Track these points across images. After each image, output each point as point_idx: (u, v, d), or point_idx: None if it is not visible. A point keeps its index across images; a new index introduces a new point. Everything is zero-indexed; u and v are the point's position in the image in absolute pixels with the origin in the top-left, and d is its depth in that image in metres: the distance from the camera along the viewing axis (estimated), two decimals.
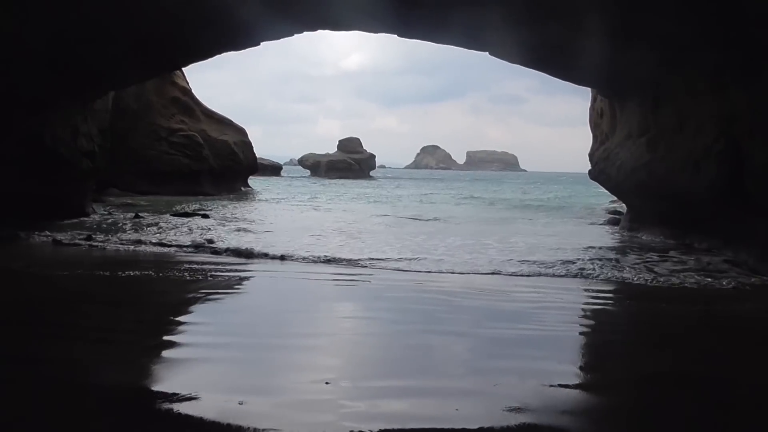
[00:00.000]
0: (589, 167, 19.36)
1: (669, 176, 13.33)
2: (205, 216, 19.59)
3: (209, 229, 15.84)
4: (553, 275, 10.29)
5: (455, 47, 13.65)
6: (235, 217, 20.22)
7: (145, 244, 12.69)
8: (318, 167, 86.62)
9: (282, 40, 13.65)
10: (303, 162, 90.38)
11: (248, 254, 11.63)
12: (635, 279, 10.06)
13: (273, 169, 79.74)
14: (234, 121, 38.13)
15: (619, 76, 14.16)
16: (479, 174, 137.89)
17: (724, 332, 7.20)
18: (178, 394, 4.57)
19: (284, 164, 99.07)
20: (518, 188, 62.74)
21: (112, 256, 11.48)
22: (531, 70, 15.32)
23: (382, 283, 9.56)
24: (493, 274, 10.45)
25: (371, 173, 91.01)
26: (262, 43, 13.56)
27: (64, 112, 13.27)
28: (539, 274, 10.33)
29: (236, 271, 10.23)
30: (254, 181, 53.55)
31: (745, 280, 9.82)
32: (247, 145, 38.17)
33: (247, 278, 10.00)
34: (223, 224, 17.58)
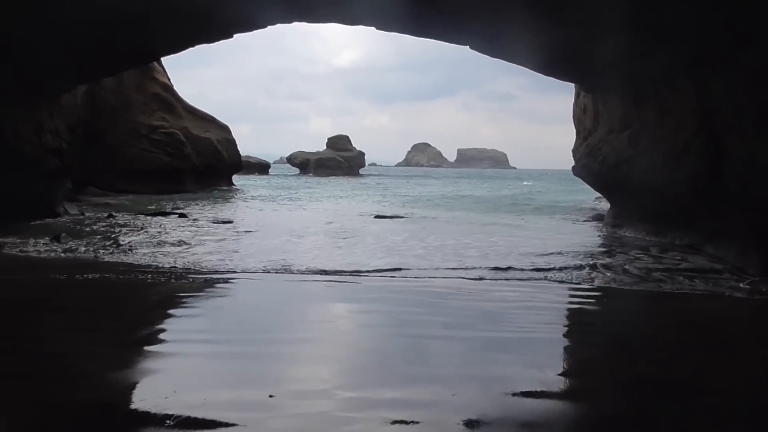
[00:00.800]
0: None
1: (650, 171, 13.05)
2: (182, 215, 19.12)
3: (165, 231, 15.39)
4: (530, 279, 9.70)
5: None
6: (210, 217, 19.73)
7: (104, 249, 11.97)
8: (307, 165, 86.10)
9: (274, 36, 13.35)
10: (292, 160, 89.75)
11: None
12: (613, 282, 9.54)
13: (261, 168, 79.09)
14: (223, 118, 37.69)
15: (599, 70, 13.86)
16: (468, 172, 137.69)
17: (707, 336, 6.86)
18: None
19: (274, 162, 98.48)
20: (506, 185, 62.56)
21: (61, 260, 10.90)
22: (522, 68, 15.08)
23: (347, 288, 9.12)
24: (464, 278, 9.68)
25: (361, 171, 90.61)
26: (252, 38, 13.14)
27: (24, 107, 12.75)
28: (517, 279, 9.69)
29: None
30: (241, 180, 53.08)
31: (728, 282, 9.42)
32: (231, 143, 37.68)
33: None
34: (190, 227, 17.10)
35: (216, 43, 13.29)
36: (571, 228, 18.71)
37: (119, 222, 16.71)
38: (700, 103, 10.54)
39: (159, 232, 14.65)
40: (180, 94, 35.34)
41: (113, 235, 13.76)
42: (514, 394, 4.79)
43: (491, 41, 12.46)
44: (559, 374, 5.51)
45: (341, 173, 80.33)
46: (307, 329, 6.81)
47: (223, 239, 13.64)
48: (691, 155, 11.09)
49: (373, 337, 6.57)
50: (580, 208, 26.67)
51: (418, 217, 21.59)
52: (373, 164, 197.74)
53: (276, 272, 9.80)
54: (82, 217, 18.27)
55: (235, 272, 9.75)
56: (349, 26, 13.56)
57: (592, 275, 10.00)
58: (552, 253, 12.24)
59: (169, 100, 34.39)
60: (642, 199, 14.67)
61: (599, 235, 16.30)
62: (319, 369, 5.45)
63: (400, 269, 10.07)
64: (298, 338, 6.37)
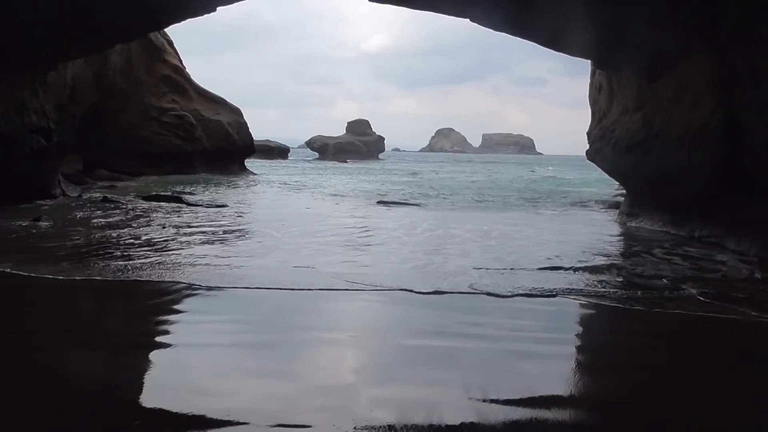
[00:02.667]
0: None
1: (665, 155, 12.00)
2: (180, 200, 18.55)
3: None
4: (529, 295, 7.25)
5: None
6: (208, 202, 19.16)
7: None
8: (326, 149, 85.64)
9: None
10: (311, 144, 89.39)
11: None
12: (620, 292, 7.48)
13: (280, 152, 78.72)
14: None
15: (613, 41, 12.78)
16: (492, 157, 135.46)
17: (714, 362, 5.47)
18: None
19: (298, 147, 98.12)
20: (527, 170, 60.85)
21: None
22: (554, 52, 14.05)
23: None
24: (444, 293, 7.29)
25: (380, 156, 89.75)
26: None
27: (3, 86, 12.26)
28: (511, 295, 7.21)
29: None
30: (256, 164, 52.63)
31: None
32: (242, 126, 37.11)
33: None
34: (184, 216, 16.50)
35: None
36: (586, 218, 17.30)
37: (110, 207, 16.16)
38: (718, 76, 9.46)
39: (143, 218, 14.11)
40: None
41: (92, 221, 13.25)
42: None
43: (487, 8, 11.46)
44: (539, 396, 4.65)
45: (360, 158, 79.56)
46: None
47: (210, 241, 11.36)
48: (708, 136, 10.03)
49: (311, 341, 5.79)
50: (602, 200, 25.40)
51: (421, 204, 20.38)
52: (396, 149, 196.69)
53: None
54: (79, 199, 17.90)
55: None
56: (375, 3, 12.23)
57: (597, 288, 7.63)
58: (555, 260, 9.50)
59: (179, 82, 33.91)
60: (658, 186, 13.56)
61: (613, 229, 14.44)
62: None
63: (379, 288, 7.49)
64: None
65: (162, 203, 17.79)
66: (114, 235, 11.25)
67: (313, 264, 8.79)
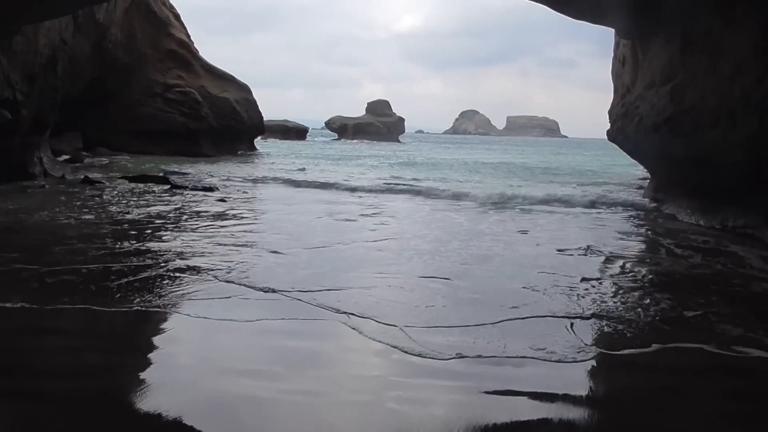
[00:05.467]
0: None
1: (696, 134, 10.33)
2: (167, 181, 17.30)
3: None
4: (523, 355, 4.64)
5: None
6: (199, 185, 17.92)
7: None
8: (345, 130, 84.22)
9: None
10: (330, 125, 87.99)
11: None
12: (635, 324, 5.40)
13: (298, 132, 77.47)
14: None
15: (640, 6, 11.08)
16: (515, 140, 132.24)
17: None
18: None
19: (321, 128, 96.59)
20: (549, 153, 58.49)
21: None
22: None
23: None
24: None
25: (400, 137, 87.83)
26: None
27: None
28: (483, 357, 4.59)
29: None
30: (270, 145, 51.50)
31: None
32: (252, 103, 35.81)
33: None
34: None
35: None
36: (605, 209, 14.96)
37: (77, 192, 14.64)
38: (766, 40, 7.77)
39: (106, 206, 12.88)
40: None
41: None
42: None
43: None
44: None
45: (379, 139, 77.85)
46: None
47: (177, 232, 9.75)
48: (750, 110, 8.37)
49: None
50: (622, 178, 23.52)
51: (418, 192, 17.79)
52: (420, 131, 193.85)
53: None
54: (62, 180, 16.80)
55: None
56: None
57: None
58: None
59: (185, 57, 32.64)
60: (687, 170, 11.89)
61: (634, 222, 12.36)
62: None
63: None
64: None
65: (150, 184, 16.64)
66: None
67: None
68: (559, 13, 14.13)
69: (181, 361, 4.46)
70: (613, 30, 15.54)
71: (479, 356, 4.54)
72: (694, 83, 10.35)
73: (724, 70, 9.29)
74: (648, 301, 6.13)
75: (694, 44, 10.30)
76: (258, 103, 36.46)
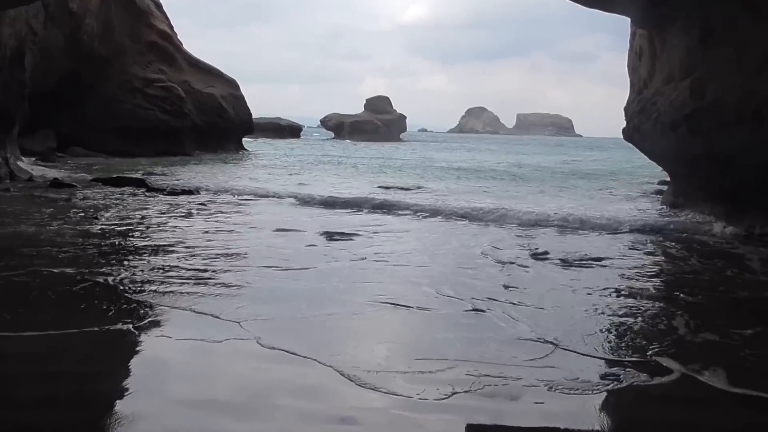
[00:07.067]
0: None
1: (719, 132, 10.12)
2: (142, 183, 17.08)
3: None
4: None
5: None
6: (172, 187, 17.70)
7: None
8: (341, 129, 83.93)
9: None
10: (325, 123, 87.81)
11: None
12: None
13: (292, 131, 77.51)
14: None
15: None
16: (526, 139, 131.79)
17: None
18: None
19: (317, 126, 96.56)
20: (562, 153, 58.00)
21: None
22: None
23: None
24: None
25: (402, 136, 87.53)
26: None
27: None
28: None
29: None
30: (259, 144, 51.16)
31: None
32: (239, 100, 35.75)
33: None
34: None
35: None
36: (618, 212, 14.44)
37: (40, 199, 14.26)
38: None
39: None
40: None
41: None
42: None
43: None
44: None
45: (379, 138, 77.21)
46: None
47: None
48: None
49: None
50: (639, 180, 23.27)
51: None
52: (423, 130, 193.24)
53: None
54: (29, 183, 16.57)
55: None
56: None
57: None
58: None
59: (168, 49, 32.52)
60: (709, 171, 11.67)
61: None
62: None
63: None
64: None
65: (125, 188, 16.40)
66: None
67: None
68: (571, 1, 13.98)
69: None
70: (629, 19, 15.34)
71: None
72: (716, 78, 10.14)
73: (749, 63, 9.10)
74: None
75: (715, 34, 10.10)
76: (252, 99, 36.54)
